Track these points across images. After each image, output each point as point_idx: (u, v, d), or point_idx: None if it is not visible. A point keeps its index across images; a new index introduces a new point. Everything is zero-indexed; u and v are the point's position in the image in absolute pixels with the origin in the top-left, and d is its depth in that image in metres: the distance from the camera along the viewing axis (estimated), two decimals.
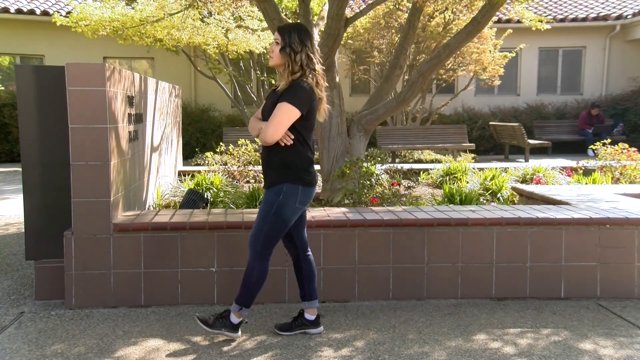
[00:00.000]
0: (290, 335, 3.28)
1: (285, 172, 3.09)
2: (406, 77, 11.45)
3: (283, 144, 3.06)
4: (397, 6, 11.33)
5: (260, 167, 8.06)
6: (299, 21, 6.86)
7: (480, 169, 7.65)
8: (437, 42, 11.31)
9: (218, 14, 10.13)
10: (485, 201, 6.16)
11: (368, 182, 5.38)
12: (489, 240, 3.94)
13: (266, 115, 3.10)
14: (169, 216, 3.98)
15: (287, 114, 3.00)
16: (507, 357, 3.02)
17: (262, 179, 3.18)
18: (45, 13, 13.13)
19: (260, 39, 10.93)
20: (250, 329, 3.40)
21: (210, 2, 8.57)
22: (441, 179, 7.64)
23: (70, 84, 3.62)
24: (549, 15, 13.87)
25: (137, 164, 4.71)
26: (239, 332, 3.22)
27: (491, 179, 6.63)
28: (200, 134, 13.34)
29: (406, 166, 8.39)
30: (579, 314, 3.69)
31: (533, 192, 5.31)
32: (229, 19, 10.46)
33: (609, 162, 7.38)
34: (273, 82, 13.12)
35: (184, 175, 7.35)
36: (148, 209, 5.19)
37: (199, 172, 7.12)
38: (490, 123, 13.42)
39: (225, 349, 3.11)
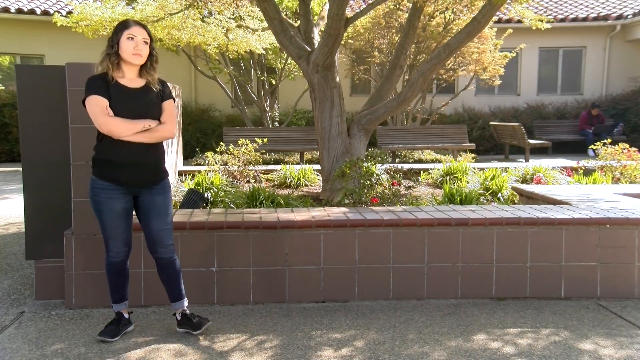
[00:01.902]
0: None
1: (164, 167, 3.26)
2: (406, 77, 11.45)
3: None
4: (397, 6, 11.34)
5: (260, 167, 8.11)
6: (299, 21, 6.85)
7: (481, 169, 7.65)
8: (437, 42, 11.31)
9: (218, 13, 10.14)
10: (485, 201, 6.15)
11: (368, 182, 5.37)
12: (489, 240, 3.94)
13: (153, 113, 3.07)
14: None
15: (175, 110, 3.18)
16: (507, 357, 3.02)
17: (149, 178, 3.14)
18: (45, 13, 13.15)
19: (260, 39, 10.93)
20: (250, 328, 3.40)
21: (211, 2, 8.58)
22: (441, 179, 7.63)
23: (71, 84, 3.63)
24: (549, 15, 13.88)
25: None
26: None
27: (491, 179, 6.63)
28: (200, 133, 13.35)
29: (406, 166, 8.39)
30: (579, 314, 3.69)
31: (533, 192, 5.30)
32: (229, 18, 10.46)
33: (609, 162, 7.37)
34: (273, 82, 13.14)
35: (184, 175, 7.36)
36: None
37: (199, 172, 7.13)
38: (491, 123, 13.42)
39: (225, 348, 3.11)
